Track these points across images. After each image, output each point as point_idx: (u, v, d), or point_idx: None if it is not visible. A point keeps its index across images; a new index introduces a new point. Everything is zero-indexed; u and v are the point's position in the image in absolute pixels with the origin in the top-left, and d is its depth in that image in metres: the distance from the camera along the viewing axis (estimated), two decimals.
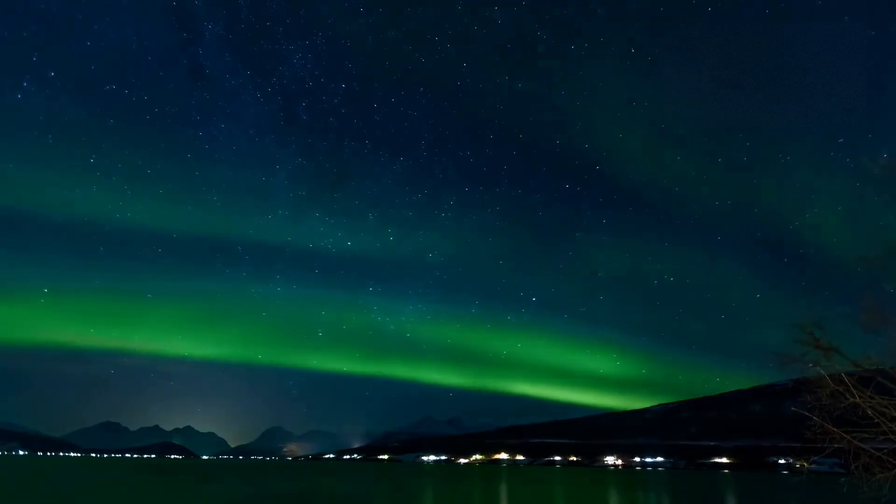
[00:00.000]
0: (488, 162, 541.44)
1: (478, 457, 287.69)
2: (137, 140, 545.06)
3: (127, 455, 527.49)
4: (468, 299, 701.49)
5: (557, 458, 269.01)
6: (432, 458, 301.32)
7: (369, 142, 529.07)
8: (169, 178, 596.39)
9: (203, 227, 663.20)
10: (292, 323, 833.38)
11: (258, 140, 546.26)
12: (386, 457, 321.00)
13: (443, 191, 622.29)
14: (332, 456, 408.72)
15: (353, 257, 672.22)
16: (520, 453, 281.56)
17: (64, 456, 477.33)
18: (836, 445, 11.14)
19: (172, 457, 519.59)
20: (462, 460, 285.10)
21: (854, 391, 10.91)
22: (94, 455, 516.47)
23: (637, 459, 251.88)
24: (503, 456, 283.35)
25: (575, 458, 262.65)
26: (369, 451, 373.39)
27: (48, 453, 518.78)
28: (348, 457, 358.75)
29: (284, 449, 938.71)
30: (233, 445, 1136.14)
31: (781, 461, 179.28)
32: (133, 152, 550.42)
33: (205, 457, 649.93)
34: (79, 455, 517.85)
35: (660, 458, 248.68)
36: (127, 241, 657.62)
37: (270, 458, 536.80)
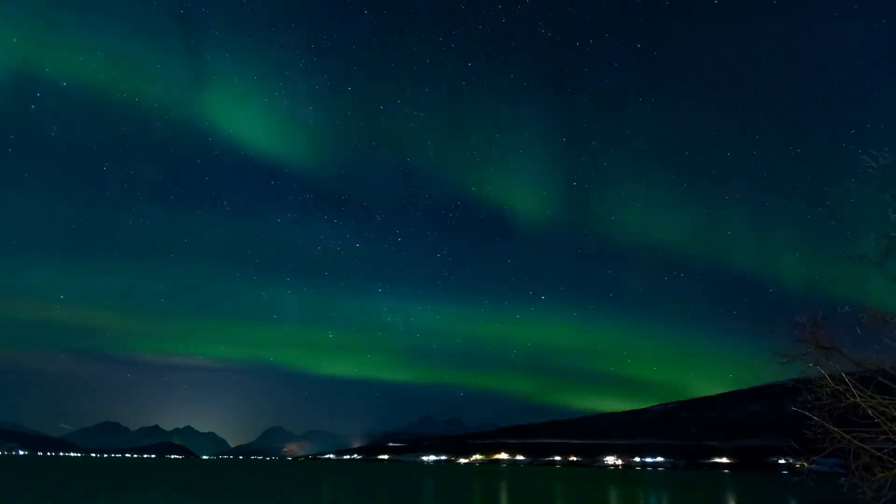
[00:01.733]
0: (495, 161, 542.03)
1: (478, 457, 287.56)
2: (148, 147, 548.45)
3: (127, 455, 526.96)
4: (477, 299, 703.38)
5: (557, 458, 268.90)
6: (432, 458, 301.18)
7: (376, 143, 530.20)
8: (179, 184, 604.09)
9: (213, 231, 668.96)
10: (303, 325, 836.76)
11: (266, 144, 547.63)
12: (386, 457, 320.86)
13: (450, 191, 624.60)
14: (332, 456, 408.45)
15: (362, 259, 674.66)
16: (520, 453, 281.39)
17: (64, 456, 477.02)
18: (836, 445, 11.10)
19: (172, 457, 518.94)
20: (462, 460, 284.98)
21: (854, 391, 10.86)
22: (94, 455, 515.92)
23: (637, 459, 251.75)
24: (503, 456, 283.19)
25: (575, 458, 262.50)
26: (369, 451, 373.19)
27: (48, 453, 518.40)
28: (348, 457, 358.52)
29: (284, 449, 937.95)
30: (233, 445, 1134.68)
31: (781, 461, 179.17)
32: (144, 159, 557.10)
33: (205, 457, 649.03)
34: (79, 455, 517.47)
35: (660, 458, 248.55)
36: (139, 246, 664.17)
37: (270, 458, 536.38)
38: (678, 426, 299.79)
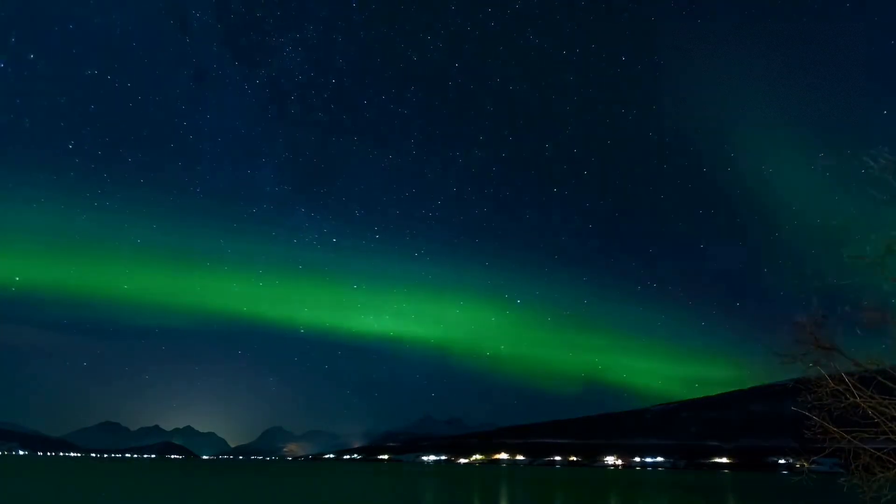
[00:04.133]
0: (477, 163, 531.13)
1: (478, 457, 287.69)
2: (119, 127, 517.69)
3: (127, 455, 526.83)
4: (453, 300, 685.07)
5: (557, 458, 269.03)
6: (432, 458, 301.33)
7: (358, 138, 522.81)
8: (150, 167, 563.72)
9: (184, 219, 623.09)
10: (273, 319, 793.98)
11: (244, 132, 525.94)
12: (386, 457, 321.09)
13: (431, 190, 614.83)
14: (332, 456, 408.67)
15: (338, 254, 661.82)
16: (520, 453, 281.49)
17: (64, 456, 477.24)
18: (836, 445, 11.11)
19: (172, 457, 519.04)
20: (462, 460, 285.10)
21: (854, 391, 10.87)
22: (94, 455, 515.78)
23: (637, 459, 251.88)
24: (503, 456, 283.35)
25: (575, 458, 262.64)
26: (369, 451, 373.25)
27: (48, 453, 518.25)
28: (348, 457, 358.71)
29: (284, 449, 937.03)
30: (233, 445, 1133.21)
31: (781, 461, 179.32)
32: (114, 139, 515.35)
33: (205, 457, 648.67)
34: (79, 455, 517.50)
35: (660, 458, 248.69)
36: (103, 230, 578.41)
37: (270, 458, 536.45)
38: (678, 426, 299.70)
